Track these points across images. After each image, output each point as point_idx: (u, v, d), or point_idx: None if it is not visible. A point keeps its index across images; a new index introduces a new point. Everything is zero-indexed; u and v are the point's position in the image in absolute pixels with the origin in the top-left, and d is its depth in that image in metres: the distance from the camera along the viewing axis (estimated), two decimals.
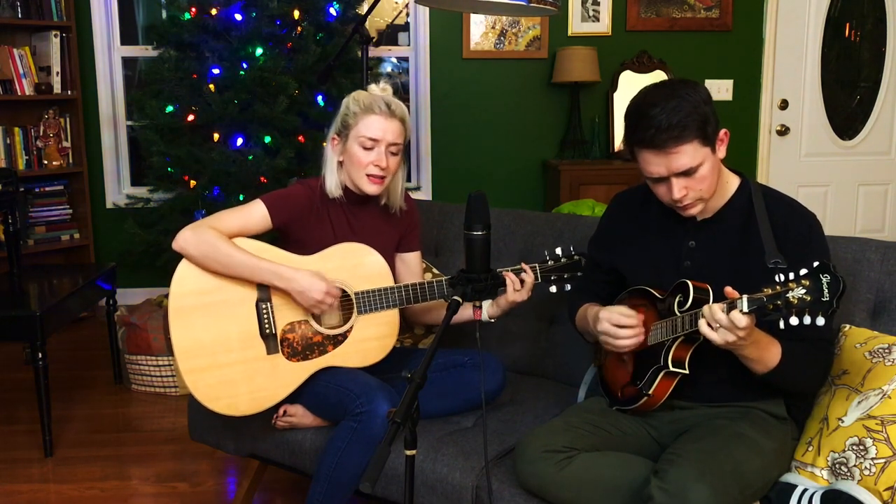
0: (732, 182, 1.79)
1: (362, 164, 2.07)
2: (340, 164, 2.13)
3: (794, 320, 1.42)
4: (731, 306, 1.50)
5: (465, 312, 2.10)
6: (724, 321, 1.50)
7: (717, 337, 1.53)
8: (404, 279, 2.26)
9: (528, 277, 2.06)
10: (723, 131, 1.70)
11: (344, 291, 2.09)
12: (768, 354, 1.60)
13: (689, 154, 1.63)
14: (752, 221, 1.73)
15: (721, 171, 1.75)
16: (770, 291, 1.45)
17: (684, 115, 1.61)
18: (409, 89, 4.94)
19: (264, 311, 2.04)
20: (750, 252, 1.71)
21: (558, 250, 2.16)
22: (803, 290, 1.41)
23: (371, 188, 2.10)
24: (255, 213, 2.07)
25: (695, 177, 1.66)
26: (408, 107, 4.90)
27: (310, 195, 2.13)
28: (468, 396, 2.10)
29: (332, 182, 2.13)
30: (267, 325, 2.04)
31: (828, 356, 1.73)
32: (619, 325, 1.75)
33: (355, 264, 2.11)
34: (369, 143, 2.06)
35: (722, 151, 1.71)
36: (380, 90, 2.12)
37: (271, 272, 2.01)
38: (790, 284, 1.42)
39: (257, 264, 2.01)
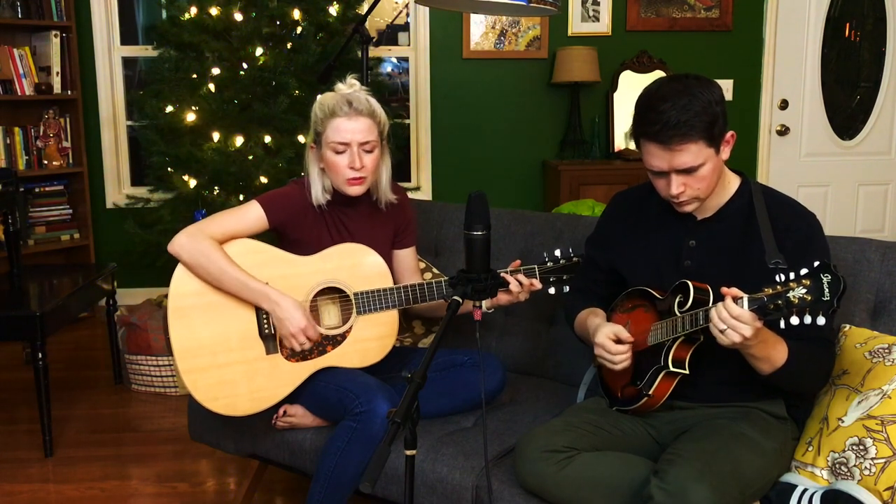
0: (733, 182, 1.79)
1: (339, 169, 2.06)
2: (323, 170, 2.13)
3: (794, 320, 1.42)
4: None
5: (464, 306, 2.10)
6: (729, 320, 1.50)
7: (724, 339, 1.53)
8: (400, 275, 2.26)
9: (535, 285, 2.07)
10: (729, 133, 1.69)
11: (343, 292, 2.09)
12: (775, 353, 1.60)
13: (692, 153, 1.63)
14: (753, 221, 1.73)
15: (722, 171, 1.75)
16: (771, 291, 1.45)
17: (693, 114, 1.60)
18: (409, 89, 4.94)
19: (263, 311, 2.04)
20: (750, 252, 1.71)
21: (557, 252, 2.16)
22: (804, 290, 1.41)
23: (352, 190, 2.09)
24: (251, 215, 2.07)
25: (695, 175, 1.66)
26: (407, 107, 4.91)
27: (305, 195, 2.13)
28: (468, 396, 2.11)
29: (317, 190, 2.11)
30: (266, 326, 2.04)
31: (830, 356, 1.73)
32: (609, 351, 1.77)
33: (354, 264, 2.11)
34: (340, 147, 2.04)
35: (726, 153, 1.71)
36: (346, 87, 2.08)
37: (259, 293, 2.01)
38: (791, 284, 1.43)
39: (247, 284, 2.00)
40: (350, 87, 2.09)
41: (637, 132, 1.69)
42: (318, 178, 2.12)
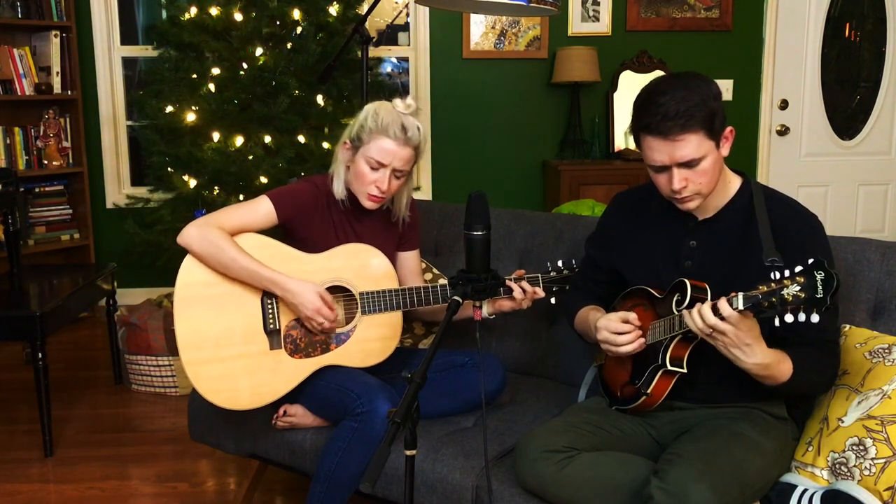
0: (734, 182, 1.79)
1: (364, 182, 2.07)
2: (348, 168, 2.13)
3: (788, 317, 1.42)
4: (728, 303, 1.50)
5: (465, 311, 2.11)
6: (711, 320, 1.51)
7: (708, 339, 1.55)
8: (403, 278, 2.27)
9: (539, 294, 2.08)
10: (728, 129, 1.69)
11: (348, 291, 2.09)
12: (778, 373, 1.60)
13: (693, 144, 1.63)
14: (753, 222, 1.73)
15: (723, 170, 1.75)
16: (765, 289, 1.45)
17: (693, 104, 1.60)
18: (409, 89, 4.94)
19: (269, 306, 2.05)
20: (750, 252, 1.71)
21: (560, 262, 2.17)
22: (798, 287, 1.41)
23: (368, 205, 2.10)
24: (261, 209, 2.08)
25: (696, 169, 1.66)
26: None
27: (315, 193, 2.14)
28: (468, 396, 2.11)
29: (339, 184, 2.13)
30: (271, 321, 2.04)
31: (835, 359, 1.73)
32: (616, 332, 1.76)
33: (361, 265, 2.11)
34: (376, 164, 2.05)
35: (726, 149, 1.70)
36: (404, 107, 2.05)
37: (271, 280, 2.01)
38: (785, 282, 1.43)
39: (258, 271, 2.01)
40: (407, 107, 2.06)
41: (637, 127, 1.69)
42: (342, 174, 2.13)
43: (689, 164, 1.65)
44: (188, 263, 2.04)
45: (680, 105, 1.60)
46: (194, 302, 2.02)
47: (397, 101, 2.06)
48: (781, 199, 1.77)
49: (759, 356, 1.56)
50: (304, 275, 2.06)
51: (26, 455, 2.92)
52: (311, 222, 2.12)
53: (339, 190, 2.13)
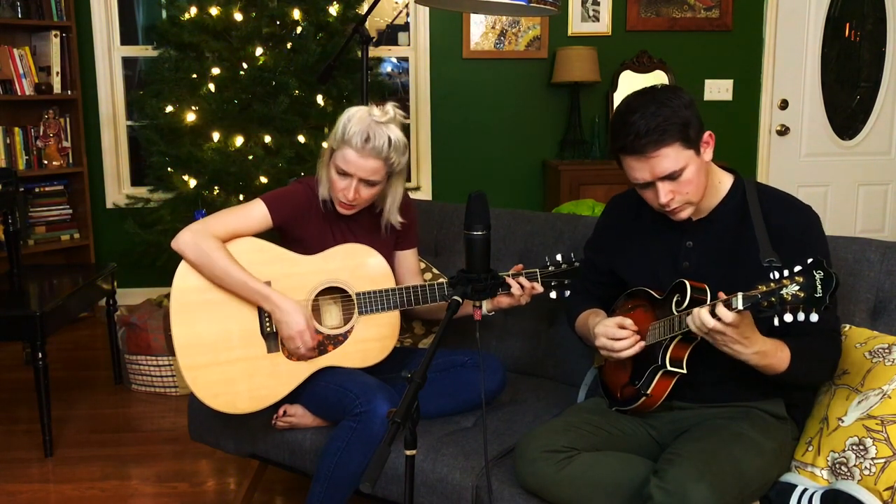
0: (725, 181, 1.79)
1: (335, 188, 2.06)
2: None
3: (788, 317, 1.43)
4: (727, 304, 1.50)
5: (465, 308, 2.11)
6: (711, 323, 1.51)
7: (708, 338, 1.55)
8: (401, 277, 2.27)
9: (537, 289, 2.08)
10: (707, 133, 1.70)
11: (345, 292, 2.09)
12: (777, 362, 1.61)
13: (670, 157, 1.64)
14: (748, 220, 1.73)
15: (711, 171, 1.75)
16: (765, 288, 1.45)
17: (663, 119, 1.61)
18: (409, 89, 4.94)
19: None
20: (746, 251, 1.71)
21: (559, 256, 2.16)
22: (797, 287, 1.41)
23: (341, 210, 2.09)
24: (255, 213, 2.07)
25: (679, 180, 1.67)
26: (407, 107, 4.90)
27: (310, 195, 2.13)
28: (468, 396, 2.11)
29: (324, 187, 2.11)
30: (268, 324, 2.04)
31: (835, 347, 1.74)
32: (614, 337, 1.76)
33: (357, 265, 2.11)
34: (342, 171, 2.03)
35: (708, 154, 1.71)
36: (380, 114, 2.00)
37: (260, 294, 2.00)
38: (784, 281, 1.43)
39: (248, 284, 2.00)
40: (383, 114, 2.01)
41: (614, 149, 1.71)
42: (325, 177, 2.11)
43: (671, 177, 1.66)
44: (183, 269, 2.04)
45: (650, 121, 1.61)
46: (190, 307, 2.02)
47: (374, 109, 2.02)
48: (775, 195, 1.77)
49: (757, 345, 1.56)
50: (301, 277, 2.06)
51: (26, 455, 2.92)
52: (306, 224, 2.12)
53: (323, 191, 2.11)
